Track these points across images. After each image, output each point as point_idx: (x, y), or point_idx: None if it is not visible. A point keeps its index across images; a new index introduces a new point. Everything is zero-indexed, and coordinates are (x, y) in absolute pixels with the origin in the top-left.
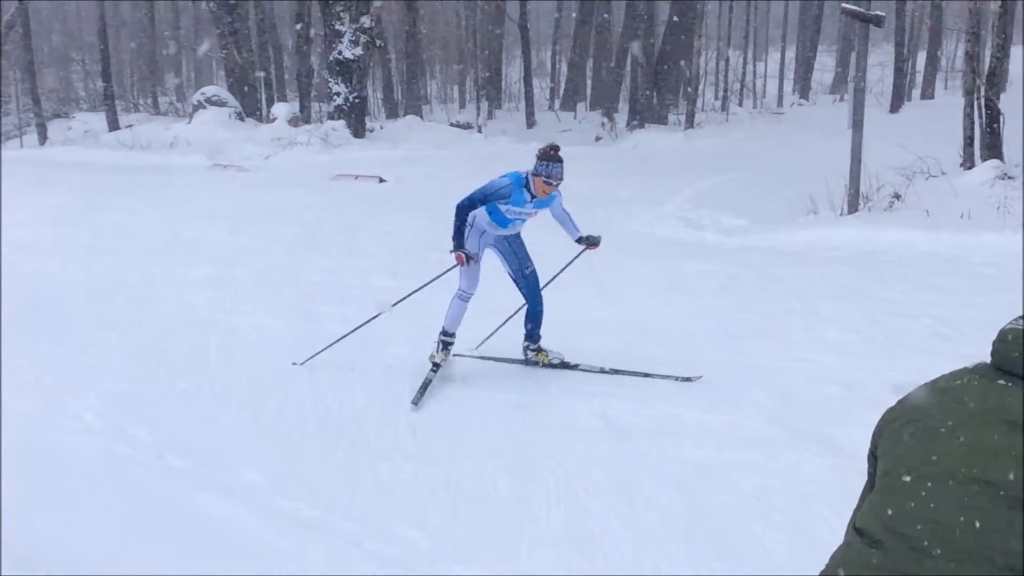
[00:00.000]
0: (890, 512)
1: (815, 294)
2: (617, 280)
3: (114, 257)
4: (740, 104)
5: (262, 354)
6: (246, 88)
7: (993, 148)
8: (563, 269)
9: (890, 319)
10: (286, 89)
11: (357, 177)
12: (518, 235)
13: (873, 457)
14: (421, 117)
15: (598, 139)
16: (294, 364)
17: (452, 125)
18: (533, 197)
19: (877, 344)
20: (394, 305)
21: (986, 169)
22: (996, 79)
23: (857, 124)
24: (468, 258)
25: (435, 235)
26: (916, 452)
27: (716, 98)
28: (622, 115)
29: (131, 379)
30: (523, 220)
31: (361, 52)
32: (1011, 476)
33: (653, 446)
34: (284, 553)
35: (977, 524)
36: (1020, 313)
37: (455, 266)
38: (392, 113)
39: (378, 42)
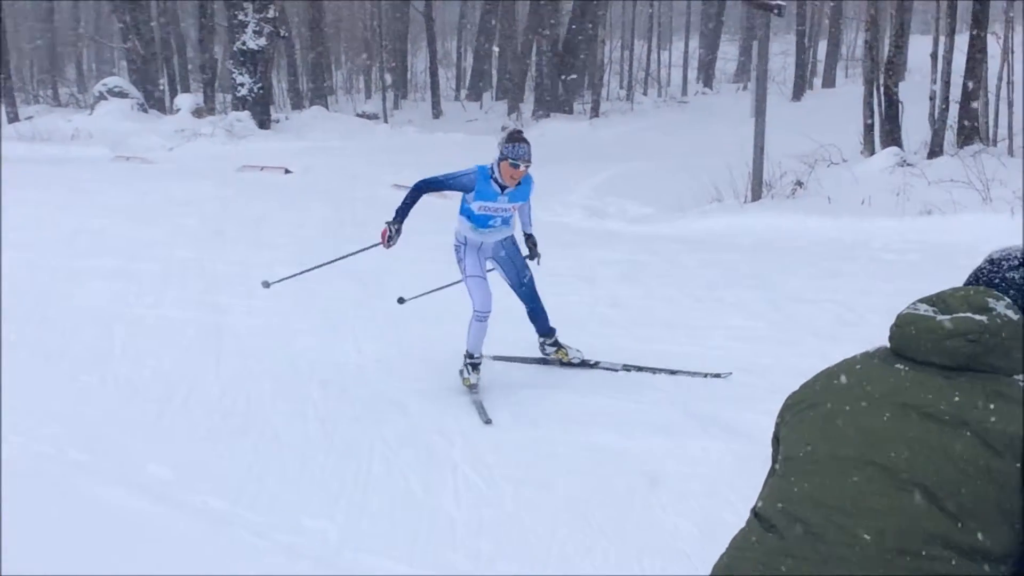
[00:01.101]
0: (787, 496)
1: (719, 281)
2: None
3: (16, 251)
4: (645, 93)
5: (167, 346)
6: (149, 79)
7: (892, 135)
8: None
9: (793, 305)
10: (189, 80)
11: (263, 168)
12: (512, 240)
13: (777, 441)
14: (327, 108)
15: (504, 129)
16: (264, 284)
17: (358, 115)
18: (503, 188)
19: (780, 330)
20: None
21: (885, 156)
22: (894, 68)
23: (760, 113)
24: (391, 238)
25: (341, 225)
26: (814, 436)
27: (621, 87)
28: (528, 105)
29: (33, 372)
30: (502, 219)
31: (265, 42)
32: (905, 459)
33: (562, 433)
34: (190, 546)
35: (871, 508)
36: (919, 298)
37: (376, 244)
38: (297, 104)
39: (282, 32)
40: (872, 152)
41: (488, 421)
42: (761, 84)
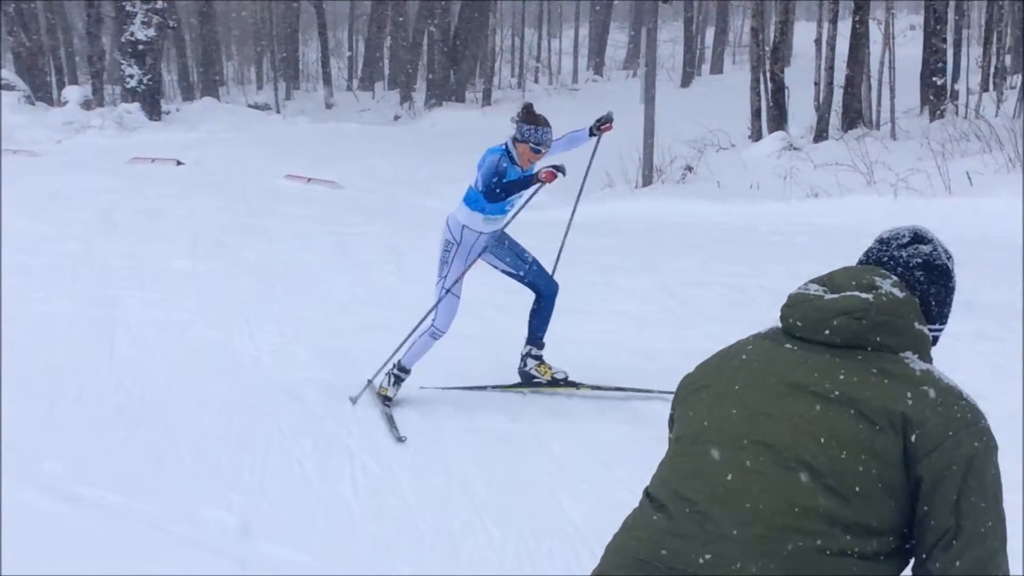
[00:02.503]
0: (676, 476)
1: (612, 266)
2: (416, 259)
3: None
4: (536, 81)
5: (60, 341)
6: (35, 71)
7: (779, 120)
8: (587, 173)
9: (685, 288)
10: (77, 72)
11: (154, 160)
12: (503, 232)
13: (672, 422)
14: (218, 99)
15: (397, 118)
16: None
17: (250, 106)
18: (522, 169)
19: (673, 313)
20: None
21: (772, 141)
22: (780, 54)
23: (649, 99)
24: (557, 169)
25: (235, 217)
26: (704, 416)
27: (512, 75)
28: (420, 94)
29: None
30: (511, 203)
31: (154, 33)
32: (790, 438)
33: (456, 420)
34: (87, 540)
35: (757, 487)
36: (810, 279)
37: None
38: (188, 95)
39: (171, 23)
40: (759, 137)
41: (401, 439)
42: (650, 71)
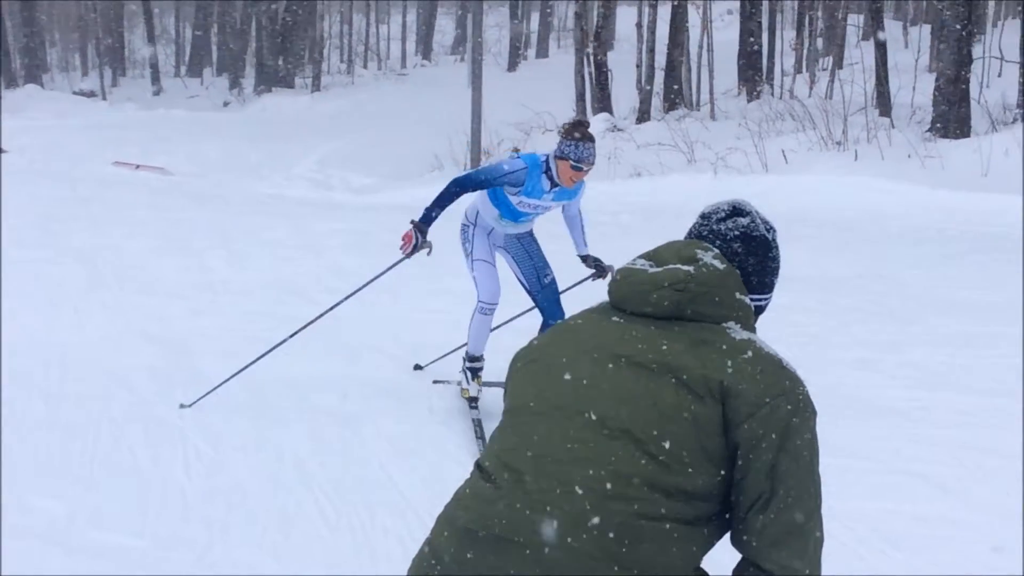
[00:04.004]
0: (504, 447)
1: (439, 247)
2: (249, 242)
3: None
4: (365, 67)
5: None
6: None
7: (603, 103)
8: (569, 288)
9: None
10: None
11: None
12: (531, 233)
13: (505, 395)
14: (42, 86)
15: (226, 104)
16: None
17: (75, 93)
18: (554, 186)
19: (506, 290)
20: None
21: (597, 122)
22: (603, 38)
23: (476, 83)
24: (418, 245)
25: (61, 204)
26: (533, 388)
27: (342, 61)
28: (250, 80)
29: None
30: (537, 215)
31: None
32: (613, 407)
33: (289, 400)
34: None
35: (581, 456)
36: (639, 254)
37: (400, 261)
38: (11, 83)
39: None
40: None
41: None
42: (476, 56)
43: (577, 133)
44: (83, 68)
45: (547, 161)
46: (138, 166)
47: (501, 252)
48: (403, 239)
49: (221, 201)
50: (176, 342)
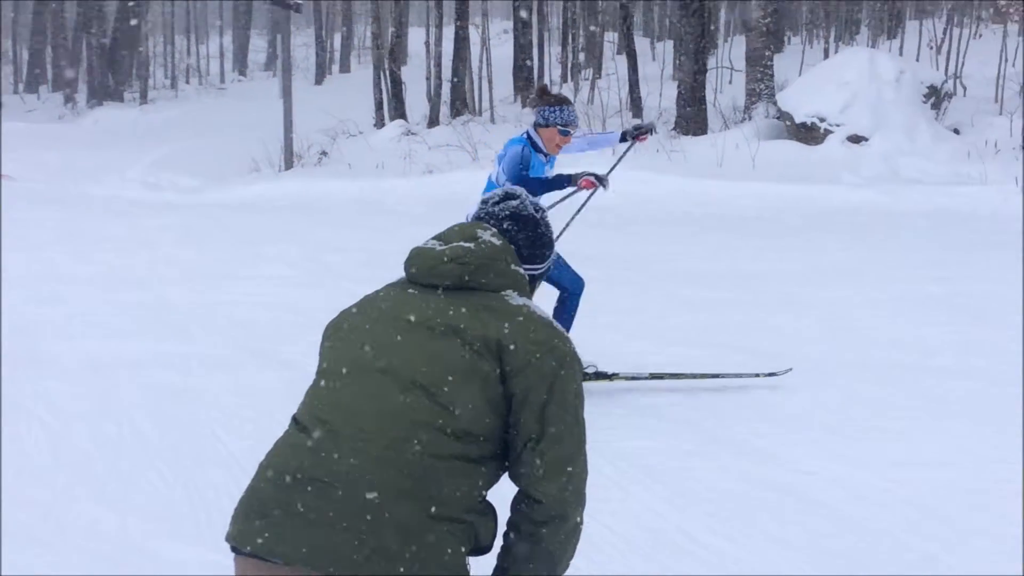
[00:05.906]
0: (317, 402)
1: (262, 238)
2: (85, 240)
3: None
4: (188, 82)
5: None
6: None
7: (398, 110)
8: (613, 167)
9: (326, 254)
10: None
11: None
12: None
13: (320, 357)
14: None
15: (61, 118)
16: None
17: None
18: (547, 157)
19: (317, 275)
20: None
21: (393, 128)
22: (397, 54)
23: (287, 95)
24: (599, 180)
25: None
26: (341, 350)
27: (166, 77)
28: (82, 95)
29: None
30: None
31: None
32: (408, 364)
33: (128, 374)
34: None
35: (380, 406)
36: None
37: (593, 191)
38: None
39: None
40: (383, 125)
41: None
42: (286, 71)
43: (552, 98)
44: None
45: (529, 137)
46: None
47: None
48: (585, 186)
49: (61, 203)
50: (19, 327)
